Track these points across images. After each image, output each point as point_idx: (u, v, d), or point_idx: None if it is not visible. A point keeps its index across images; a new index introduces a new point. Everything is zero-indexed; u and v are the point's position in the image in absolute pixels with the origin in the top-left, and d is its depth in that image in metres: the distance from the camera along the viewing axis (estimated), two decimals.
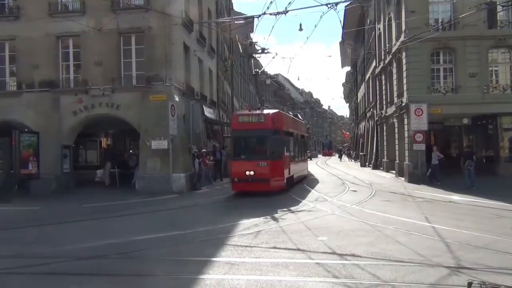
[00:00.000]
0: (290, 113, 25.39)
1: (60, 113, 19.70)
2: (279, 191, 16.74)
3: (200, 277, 6.34)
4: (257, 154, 16.92)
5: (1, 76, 20.69)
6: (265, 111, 18.15)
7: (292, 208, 13.32)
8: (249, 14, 38.01)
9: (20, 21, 19.99)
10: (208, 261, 7.21)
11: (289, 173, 18.68)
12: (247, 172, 16.26)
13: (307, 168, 27.02)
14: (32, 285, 6.48)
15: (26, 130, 18.64)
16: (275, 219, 11.40)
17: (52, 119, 19.60)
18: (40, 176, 18.09)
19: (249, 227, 10.31)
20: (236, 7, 75.93)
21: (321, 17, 33.58)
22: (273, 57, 27.21)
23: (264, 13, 14.51)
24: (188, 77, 22.25)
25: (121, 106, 19.33)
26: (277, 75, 76.83)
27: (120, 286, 6.36)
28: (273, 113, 17.95)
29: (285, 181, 17.56)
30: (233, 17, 27.21)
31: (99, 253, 8.00)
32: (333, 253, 7.65)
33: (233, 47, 37.73)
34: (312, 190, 18.82)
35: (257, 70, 21.52)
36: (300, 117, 28.47)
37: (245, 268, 6.85)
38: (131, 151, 25.37)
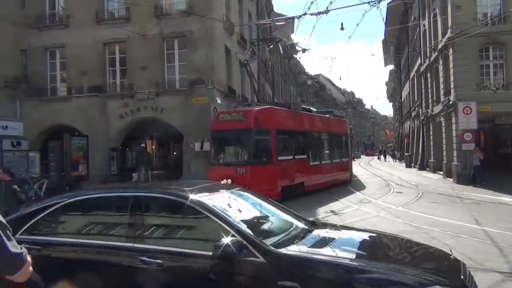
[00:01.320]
0: (313, 109, 22.85)
1: (108, 117, 20.42)
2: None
3: None
4: (237, 159, 14.98)
5: (53, 82, 21.72)
6: (252, 109, 15.81)
7: (335, 210, 13.17)
8: (289, 15, 37.90)
9: (70, 29, 20.88)
10: None
11: (293, 181, 16.20)
12: (224, 180, 13.88)
13: (350, 170, 24.59)
14: None
15: (76, 133, 19.45)
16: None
17: (100, 123, 20.33)
18: (90, 177, 18.77)
19: None
20: (276, 9, 76.10)
21: (363, 16, 33.00)
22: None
23: (305, 14, 14.51)
24: (229, 80, 22.49)
25: (165, 109, 19.78)
26: (318, 75, 76.24)
27: None
28: (258, 110, 15.36)
29: (279, 189, 14.86)
30: (274, 19, 27.18)
31: None
32: None
33: (274, 49, 37.75)
34: (356, 192, 18.51)
35: (247, 59, 20.43)
36: (336, 113, 27.24)
37: None
38: (175, 153, 25.83)
